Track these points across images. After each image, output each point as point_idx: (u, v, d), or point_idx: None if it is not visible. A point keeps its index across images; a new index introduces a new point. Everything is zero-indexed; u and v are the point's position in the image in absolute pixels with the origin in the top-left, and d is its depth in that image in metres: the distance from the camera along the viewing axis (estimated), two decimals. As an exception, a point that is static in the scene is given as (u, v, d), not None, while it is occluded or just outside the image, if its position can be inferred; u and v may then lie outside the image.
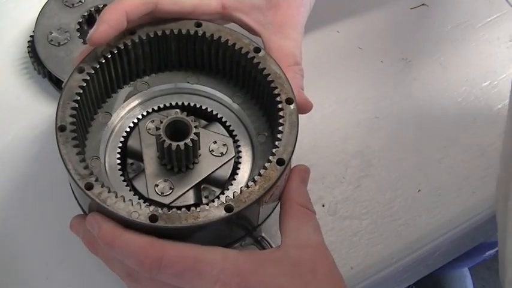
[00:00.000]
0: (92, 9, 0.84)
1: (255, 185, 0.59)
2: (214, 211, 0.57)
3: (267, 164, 0.60)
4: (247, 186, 0.59)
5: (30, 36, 0.83)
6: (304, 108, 0.66)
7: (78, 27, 0.83)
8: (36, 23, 0.83)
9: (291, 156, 0.61)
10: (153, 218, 0.56)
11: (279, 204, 0.65)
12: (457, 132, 0.83)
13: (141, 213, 0.57)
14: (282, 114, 0.62)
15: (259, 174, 0.59)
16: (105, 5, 0.84)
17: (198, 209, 0.57)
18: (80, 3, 0.85)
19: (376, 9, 0.92)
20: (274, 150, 0.61)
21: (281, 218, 0.63)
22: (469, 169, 0.81)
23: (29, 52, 0.83)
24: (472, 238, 0.86)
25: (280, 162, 0.60)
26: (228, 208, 0.57)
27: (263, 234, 0.65)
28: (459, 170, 0.80)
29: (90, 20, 0.85)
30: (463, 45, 0.90)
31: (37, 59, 0.81)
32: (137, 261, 0.57)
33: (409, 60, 0.88)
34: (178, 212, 0.57)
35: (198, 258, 0.56)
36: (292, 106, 0.63)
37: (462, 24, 0.92)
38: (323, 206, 0.77)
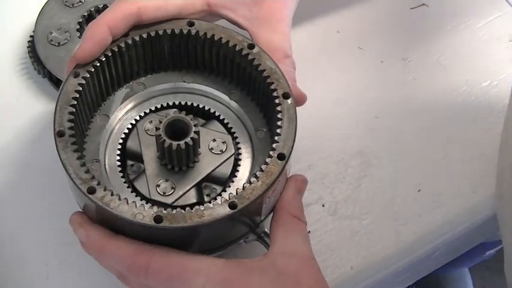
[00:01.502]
0: (92, 9, 0.84)
1: (258, 180, 0.59)
2: (219, 209, 0.57)
3: (268, 160, 0.60)
4: (249, 182, 0.59)
5: (30, 36, 0.83)
6: (299, 100, 0.66)
7: (78, 27, 0.83)
8: (36, 23, 0.83)
9: (291, 151, 0.61)
10: (158, 218, 0.56)
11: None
12: (457, 132, 0.83)
13: (145, 214, 0.57)
14: (279, 109, 0.63)
15: (261, 170, 0.59)
16: (105, 5, 0.84)
17: (202, 207, 0.57)
18: (80, 3, 0.85)
19: (376, 9, 0.92)
20: (274, 146, 0.61)
21: (271, 225, 0.63)
22: (469, 169, 0.81)
23: (29, 52, 0.83)
24: (472, 238, 0.86)
25: (281, 157, 0.60)
26: (232, 205, 0.57)
27: (266, 230, 0.65)
28: (459, 170, 0.80)
29: (90, 20, 0.84)
30: (463, 45, 0.90)
31: (37, 59, 0.81)
32: (125, 268, 0.58)
33: (409, 60, 0.88)
34: (183, 211, 0.57)
35: (184, 266, 0.57)
36: (289, 101, 0.63)
37: (462, 24, 0.92)
38: (323, 206, 0.77)
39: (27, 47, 0.83)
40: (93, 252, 0.60)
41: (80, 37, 0.82)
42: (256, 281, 0.58)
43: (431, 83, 0.87)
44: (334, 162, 0.80)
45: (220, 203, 0.58)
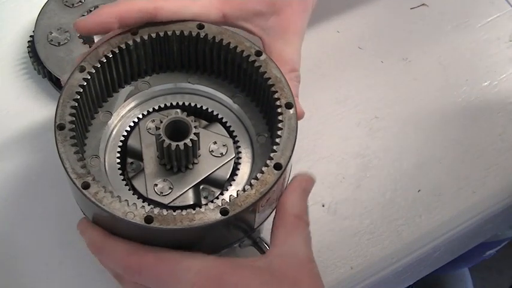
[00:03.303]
0: (92, 9, 0.84)
1: (252, 188, 0.59)
2: (210, 214, 0.57)
3: (264, 168, 0.60)
4: (243, 189, 0.59)
5: (30, 36, 0.83)
6: (297, 116, 0.66)
7: (78, 27, 0.83)
8: (36, 23, 0.83)
9: (288, 161, 0.60)
10: (149, 219, 0.56)
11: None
12: (457, 132, 0.83)
13: (136, 213, 0.57)
14: (281, 119, 0.62)
15: (256, 178, 0.59)
16: (105, 5, 0.84)
17: (194, 211, 0.57)
18: (80, 3, 0.85)
19: (376, 9, 0.92)
20: (271, 155, 0.60)
21: (273, 226, 0.62)
22: (469, 169, 0.81)
23: (29, 52, 0.83)
24: (472, 238, 0.86)
25: (277, 166, 0.60)
26: (224, 211, 0.57)
27: (261, 236, 0.65)
28: (459, 170, 0.80)
29: (90, 20, 0.85)
30: (463, 45, 0.90)
31: (37, 59, 0.81)
32: (120, 268, 0.59)
33: (409, 60, 0.88)
34: (174, 213, 0.57)
35: (174, 263, 0.57)
36: (291, 111, 0.63)
37: (462, 24, 0.92)
38: (323, 206, 0.77)
39: (27, 47, 0.83)
40: (94, 252, 0.61)
41: (80, 37, 0.82)
42: (247, 281, 0.57)
43: (431, 83, 0.87)
44: (334, 162, 0.80)
45: (212, 208, 0.57)
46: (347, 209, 0.77)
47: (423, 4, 0.93)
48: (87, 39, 0.82)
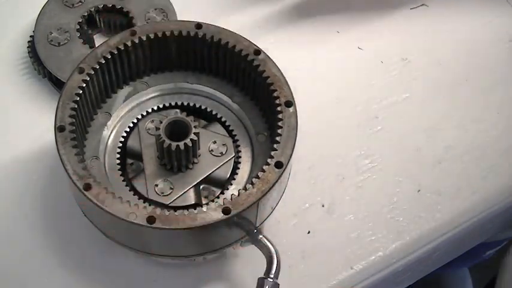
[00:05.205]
0: (92, 9, 0.84)
1: (253, 187, 0.59)
2: (212, 213, 0.57)
3: (265, 167, 0.60)
4: (245, 188, 0.59)
5: (30, 36, 0.83)
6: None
7: (78, 27, 0.83)
8: (36, 23, 0.83)
9: (289, 159, 0.61)
10: (151, 219, 0.56)
11: (278, 206, 0.65)
12: (457, 132, 0.83)
13: (138, 214, 0.57)
14: (280, 117, 0.62)
15: (257, 177, 0.59)
16: (105, 5, 0.84)
17: (196, 211, 0.57)
18: (80, 3, 0.85)
19: (376, 9, 0.92)
20: (272, 153, 0.60)
21: None
22: (469, 169, 0.81)
23: (29, 52, 0.83)
24: (472, 238, 0.86)
25: (278, 165, 0.60)
26: (226, 210, 0.57)
27: (263, 234, 0.65)
28: (459, 170, 0.80)
29: (90, 20, 0.85)
30: (463, 46, 0.90)
31: (37, 59, 0.81)
32: None
33: (409, 60, 0.88)
34: (176, 213, 0.57)
35: None
36: (291, 109, 0.63)
37: (462, 24, 0.92)
38: (323, 206, 0.77)
39: (27, 47, 0.83)
40: None
41: (80, 37, 0.82)
42: None
43: (431, 83, 0.87)
44: (334, 162, 0.80)
45: (214, 207, 0.57)
46: (347, 209, 0.77)
47: (423, 4, 0.93)
48: (87, 39, 0.82)
